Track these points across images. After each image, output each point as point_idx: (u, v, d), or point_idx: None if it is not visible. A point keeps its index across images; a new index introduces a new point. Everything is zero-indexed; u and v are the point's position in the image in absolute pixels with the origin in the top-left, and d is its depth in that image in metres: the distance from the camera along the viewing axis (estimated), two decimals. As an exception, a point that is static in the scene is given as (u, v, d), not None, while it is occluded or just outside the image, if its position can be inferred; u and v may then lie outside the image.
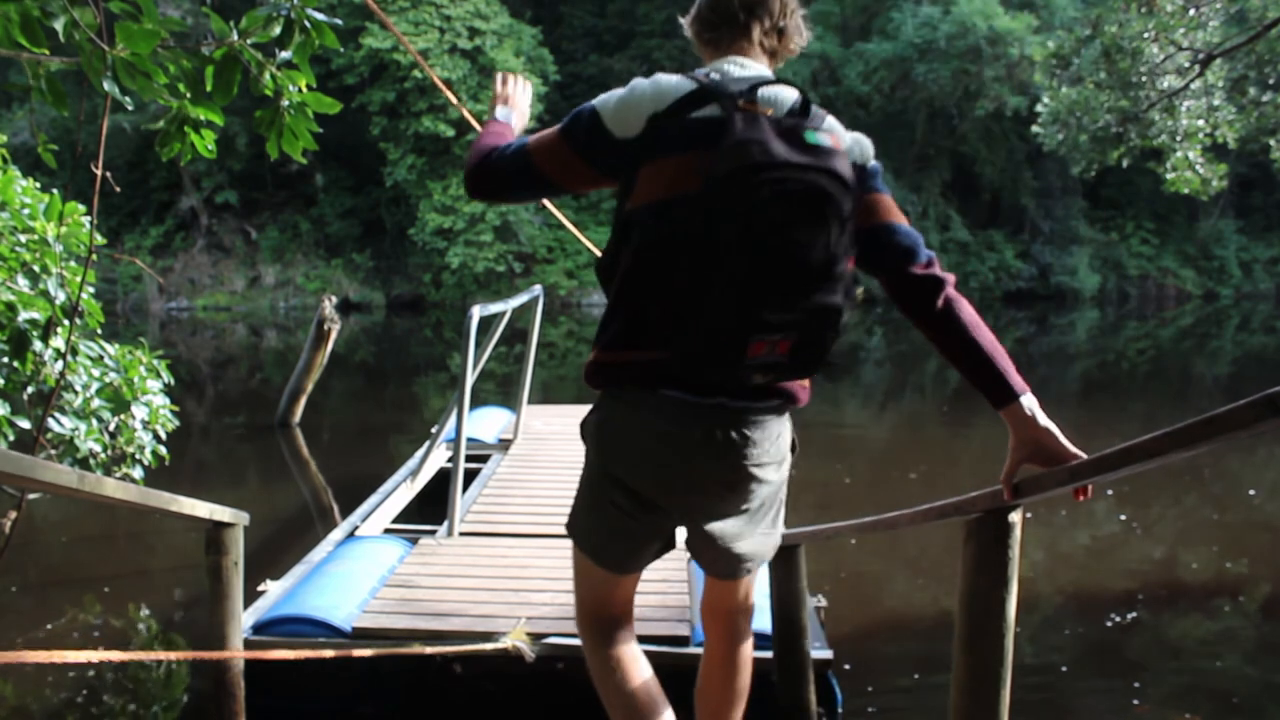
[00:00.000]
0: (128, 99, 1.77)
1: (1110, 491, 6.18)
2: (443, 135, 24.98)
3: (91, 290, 3.25)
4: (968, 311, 1.59)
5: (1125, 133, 10.05)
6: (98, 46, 1.72)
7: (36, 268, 3.05)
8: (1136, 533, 5.63)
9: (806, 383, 1.71)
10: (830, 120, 1.61)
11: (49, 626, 4.10)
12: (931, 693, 3.43)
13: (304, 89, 2.03)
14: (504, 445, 5.88)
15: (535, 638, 2.82)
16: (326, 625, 2.91)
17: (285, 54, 1.94)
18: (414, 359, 16.91)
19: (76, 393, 3.26)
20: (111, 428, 3.42)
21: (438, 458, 5.43)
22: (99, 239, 2.57)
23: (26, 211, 3.07)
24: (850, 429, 9.59)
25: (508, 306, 4.88)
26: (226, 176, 27.21)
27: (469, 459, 4.82)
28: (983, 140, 29.20)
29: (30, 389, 3.12)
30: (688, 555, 3.63)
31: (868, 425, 10.02)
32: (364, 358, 16.72)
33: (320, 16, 1.90)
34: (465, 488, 4.55)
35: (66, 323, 3.01)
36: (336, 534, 4.07)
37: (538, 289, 5.62)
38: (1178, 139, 9.67)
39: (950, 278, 1.62)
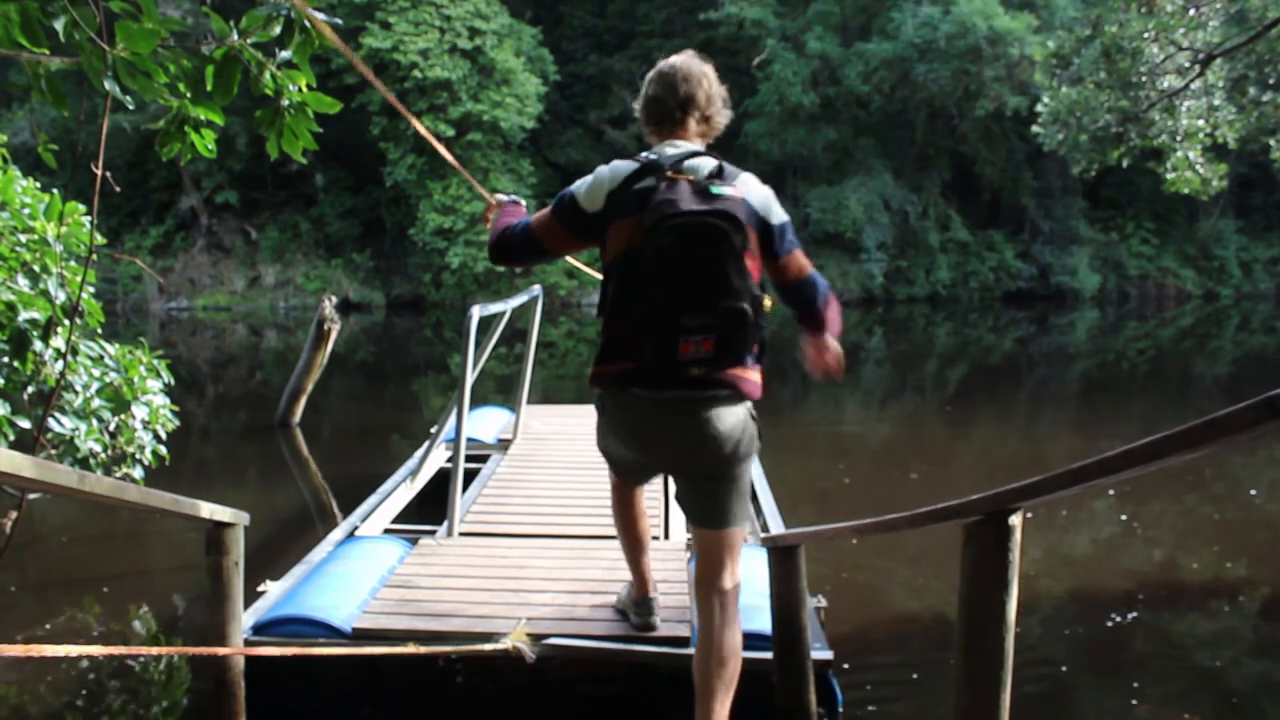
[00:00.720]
0: (128, 99, 1.77)
1: (1111, 491, 6.17)
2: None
3: (91, 290, 3.25)
4: (832, 308, 2.36)
5: (1125, 133, 10.03)
6: (98, 46, 1.72)
7: (37, 268, 3.05)
8: (1137, 533, 5.63)
9: (755, 377, 2.25)
10: (743, 177, 2.23)
11: (48, 626, 4.10)
12: (931, 693, 3.43)
13: (304, 89, 2.04)
14: (503, 445, 5.87)
15: (535, 638, 2.82)
16: (326, 625, 2.91)
17: (285, 54, 1.94)
18: (414, 359, 16.90)
19: (77, 393, 3.27)
20: (112, 428, 3.43)
21: (437, 458, 5.43)
22: (99, 239, 2.57)
23: (27, 211, 3.08)
24: (850, 429, 9.57)
25: (507, 306, 4.88)
26: (226, 176, 27.18)
27: (469, 459, 4.82)
28: (983, 140, 29.15)
29: (30, 389, 3.12)
30: (688, 555, 3.66)
31: (868, 425, 10.01)
32: (364, 358, 16.71)
33: (321, 16, 1.90)
34: (465, 488, 4.55)
35: (66, 323, 3.01)
36: (336, 534, 4.06)
37: (537, 289, 5.61)
38: (1178, 139, 9.66)
39: (830, 293, 2.35)
